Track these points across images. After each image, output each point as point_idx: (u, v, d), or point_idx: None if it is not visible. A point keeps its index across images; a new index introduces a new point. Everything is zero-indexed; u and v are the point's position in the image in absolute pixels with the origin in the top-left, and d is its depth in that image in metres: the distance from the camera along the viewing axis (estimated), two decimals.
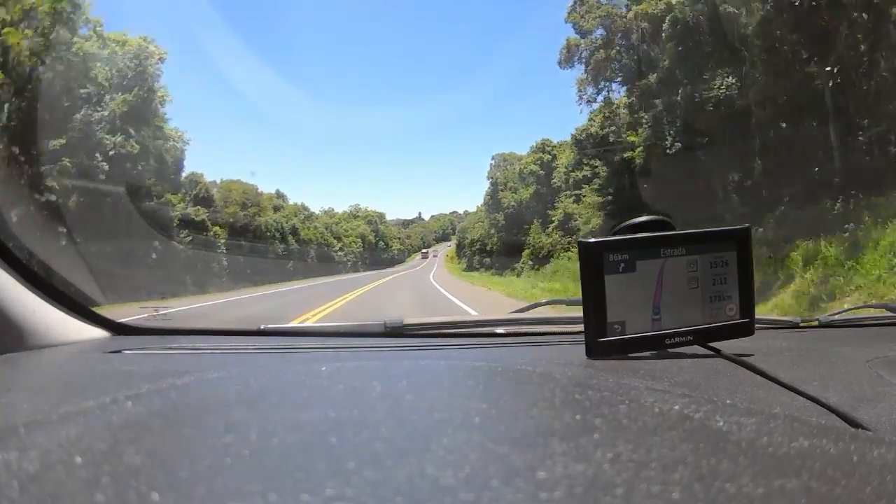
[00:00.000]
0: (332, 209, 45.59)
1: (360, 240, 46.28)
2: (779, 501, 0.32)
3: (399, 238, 66.83)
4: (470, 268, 37.50)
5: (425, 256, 68.89)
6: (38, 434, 0.41)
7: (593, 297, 0.92)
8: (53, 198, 13.47)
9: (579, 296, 0.95)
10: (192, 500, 0.30)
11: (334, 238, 40.38)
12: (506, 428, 0.43)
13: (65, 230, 12.84)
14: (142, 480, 0.33)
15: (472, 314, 5.70)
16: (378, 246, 53.23)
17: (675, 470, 0.34)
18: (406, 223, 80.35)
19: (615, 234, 0.98)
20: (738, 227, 0.99)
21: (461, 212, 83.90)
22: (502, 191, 30.24)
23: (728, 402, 0.59)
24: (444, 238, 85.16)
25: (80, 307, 1.23)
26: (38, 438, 0.40)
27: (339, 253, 40.75)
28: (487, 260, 33.51)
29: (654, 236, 0.95)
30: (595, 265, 0.91)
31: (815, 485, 0.34)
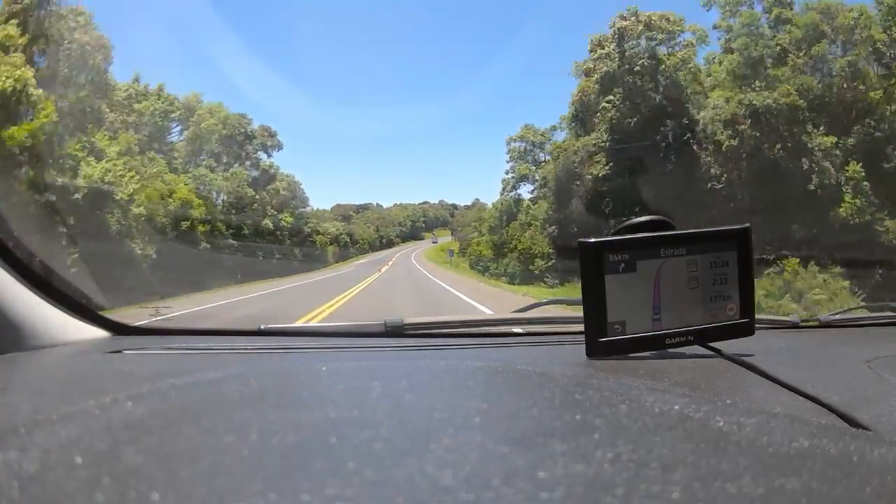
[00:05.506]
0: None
1: None
2: (779, 501, 0.32)
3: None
4: None
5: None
6: (38, 434, 0.41)
7: (594, 297, 0.91)
8: (53, 198, 13.44)
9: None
10: (192, 500, 0.30)
11: None
12: (506, 428, 0.43)
13: (65, 230, 12.82)
14: (142, 480, 0.33)
15: (477, 314, 5.66)
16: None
17: (676, 470, 0.34)
18: (359, 209, 53.15)
19: (615, 234, 0.97)
20: (739, 226, 0.99)
21: (435, 201, 65.48)
22: None
23: (728, 402, 0.59)
24: (413, 235, 60.45)
25: (80, 307, 1.23)
26: (38, 438, 0.40)
27: None
28: None
29: (655, 236, 0.95)
30: (595, 265, 0.91)
31: (815, 485, 0.34)
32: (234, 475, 0.33)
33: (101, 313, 1.28)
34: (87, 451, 0.37)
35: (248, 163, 28.21)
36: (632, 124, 19.46)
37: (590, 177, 19.99)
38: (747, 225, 0.99)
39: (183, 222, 19.76)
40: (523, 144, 27.42)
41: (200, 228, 21.05)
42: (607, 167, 19.53)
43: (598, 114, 20.37)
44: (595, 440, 0.39)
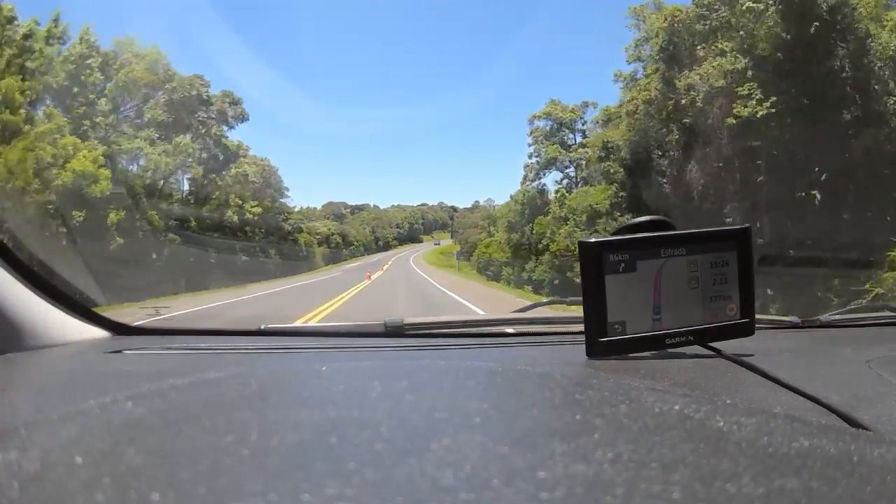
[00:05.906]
0: None
1: None
2: (779, 501, 0.32)
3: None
4: None
5: None
6: (38, 434, 0.41)
7: (594, 297, 0.92)
8: (54, 198, 13.32)
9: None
10: (192, 500, 0.30)
11: None
12: (506, 428, 0.43)
13: (65, 230, 12.73)
14: (142, 480, 0.33)
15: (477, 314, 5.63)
16: None
17: (676, 470, 0.34)
18: (354, 209, 51.18)
19: (615, 233, 0.98)
20: (738, 226, 0.99)
21: (434, 203, 63.03)
22: None
23: (728, 402, 0.59)
24: (411, 237, 57.53)
25: (80, 307, 1.23)
26: (38, 438, 0.40)
27: None
28: None
29: (655, 236, 0.95)
30: (595, 265, 0.91)
31: (815, 485, 0.34)
32: (234, 475, 0.33)
33: (101, 313, 1.29)
34: (87, 451, 0.37)
35: (209, 140, 21.32)
36: (788, 40, 11.46)
37: (732, 123, 11.89)
38: (747, 225, 1.00)
39: (74, 211, 13.78)
40: (549, 123, 22.68)
41: (112, 216, 15.04)
42: (767, 105, 11.32)
43: (728, 26, 12.41)
44: (595, 440, 0.39)
